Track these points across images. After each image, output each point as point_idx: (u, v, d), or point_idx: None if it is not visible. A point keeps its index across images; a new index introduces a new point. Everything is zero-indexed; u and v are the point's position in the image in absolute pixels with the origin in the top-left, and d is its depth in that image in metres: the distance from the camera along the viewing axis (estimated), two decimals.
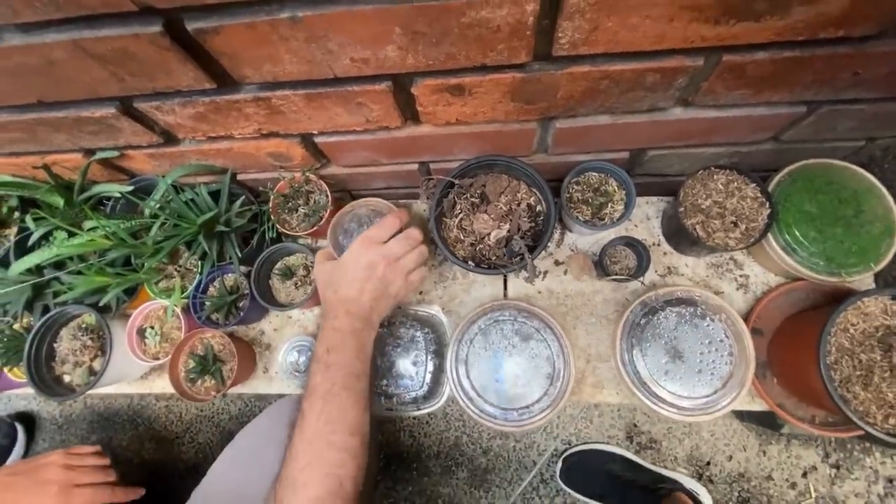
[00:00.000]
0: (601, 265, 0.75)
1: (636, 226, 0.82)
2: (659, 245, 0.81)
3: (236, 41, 0.46)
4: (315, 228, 0.77)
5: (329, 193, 0.78)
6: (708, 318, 0.68)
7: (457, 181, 0.70)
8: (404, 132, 0.66)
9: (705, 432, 1.11)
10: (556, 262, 0.82)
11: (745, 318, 0.74)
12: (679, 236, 0.75)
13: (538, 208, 0.71)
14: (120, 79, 0.52)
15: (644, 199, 0.84)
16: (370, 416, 0.56)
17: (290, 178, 0.78)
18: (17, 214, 0.78)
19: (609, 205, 0.75)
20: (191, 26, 0.44)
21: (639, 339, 0.69)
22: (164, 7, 0.42)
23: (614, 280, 0.75)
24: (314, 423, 0.51)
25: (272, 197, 0.78)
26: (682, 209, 0.71)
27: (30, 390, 0.77)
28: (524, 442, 1.16)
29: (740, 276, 0.78)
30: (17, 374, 0.80)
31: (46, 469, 0.69)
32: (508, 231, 0.69)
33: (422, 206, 0.90)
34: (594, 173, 0.76)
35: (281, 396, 0.83)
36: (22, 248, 0.76)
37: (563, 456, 1.09)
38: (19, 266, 0.72)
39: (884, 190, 0.70)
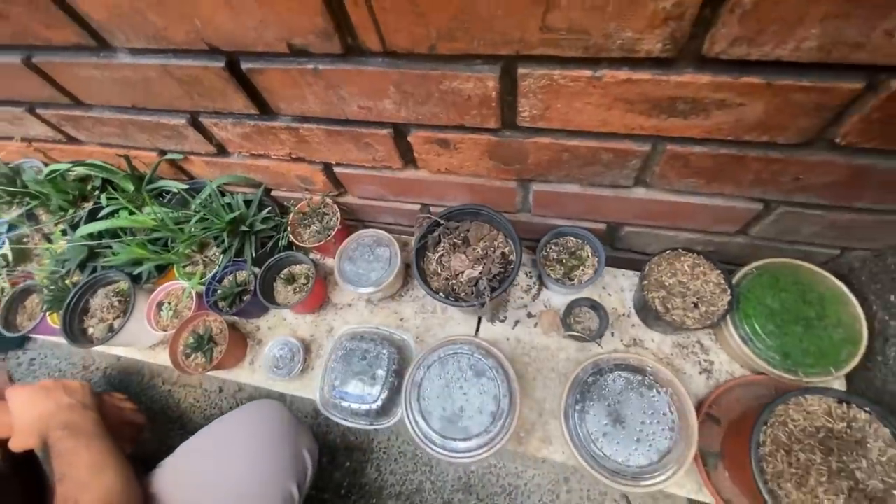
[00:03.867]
0: (565, 322, 0.79)
1: (610, 295, 0.87)
2: (629, 317, 0.84)
3: (275, 81, 0.61)
4: (321, 244, 0.89)
5: (340, 217, 0.90)
6: (655, 390, 0.70)
7: (443, 222, 0.80)
8: (405, 174, 0.78)
9: None
10: (529, 315, 0.88)
11: (701, 403, 0.74)
12: (646, 310, 0.79)
13: (511, 257, 0.79)
14: (191, 97, 0.68)
15: (621, 272, 0.89)
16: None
17: (310, 199, 0.92)
18: (97, 192, 0.97)
19: (581, 268, 0.81)
20: (244, 66, 0.59)
21: (584, 397, 0.71)
22: (227, 50, 0.57)
23: (572, 336, 0.78)
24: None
25: (293, 212, 0.92)
26: (645, 282, 0.75)
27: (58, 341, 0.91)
28: (486, 503, 1.14)
29: (705, 360, 0.79)
30: (54, 319, 0.94)
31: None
32: (480, 272, 0.77)
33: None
34: (572, 238, 0.83)
35: (258, 390, 0.91)
36: (91, 218, 0.93)
37: None
38: (84, 230, 0.88)
39: (853, 299, 0.71)
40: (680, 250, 0.76)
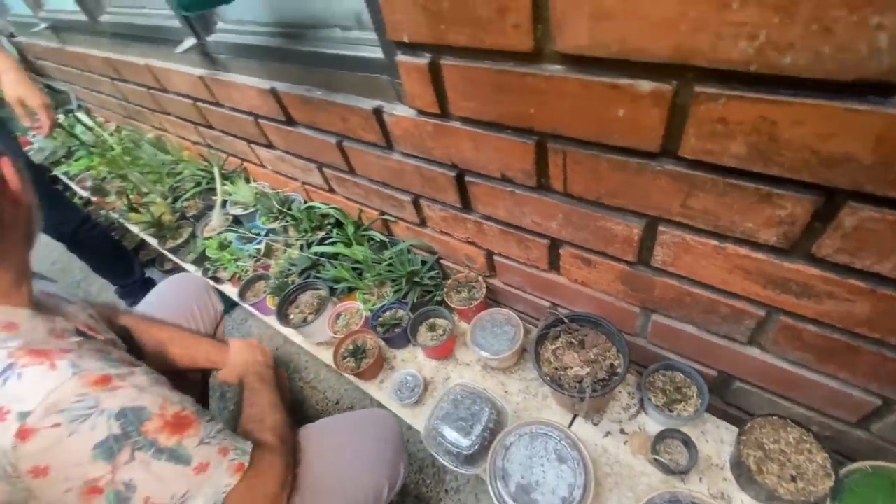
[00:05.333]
0: (655, 447, 0.86)
1: (707, 441, 0.90)
2: (721, 469, 0.86)
3: (482, 191, 0.89)
4: (464, 308, 1.12)
5: (484, 293, 1.13)
6: None
7: (567, 321, 0.96)
8: (547, 276, 0.99)
9: None
10: (622, 431, 0.95)
11: None
12: (739, 467, 0.81)
13: (618, 370, 0.90)
14: (423, 187, 1.01)
15: (725, 424, 0.91)
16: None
17: (467, 273, 1.18)
18: (329, 227, 1.38)
19: (683, 403, 0.88)
20: (467, 178, 0.89)
21: None
22: (461, 167, 0.88)
23: (658, 462, 0.84)
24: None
25: (452, 278, 1.18)
26: (744, 437, 0.79)
27: (267, 318, 1.28)
28: None
29: None
30: (271, 301, 1.33)
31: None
32: (587, 373, 0.90)
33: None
34: (680, 374, 0.91)
35: (380, 406, 1.12)
36: (320, 242, 1.33)
37: None
38: (314, 249, 1.27)
39: None
40: (788, 420, 0.79)
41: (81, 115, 2.22)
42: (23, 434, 0.51)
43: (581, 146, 0.66)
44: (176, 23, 1.21)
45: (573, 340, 0.95)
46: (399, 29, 0.70)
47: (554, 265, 0.95)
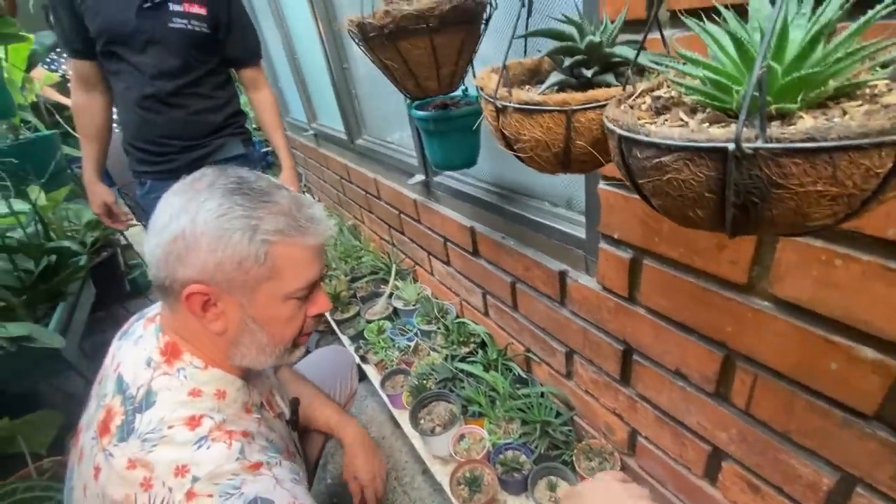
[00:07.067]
0: None
1: None
2: None
3: (649, 376, 0.92)
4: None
5: (617, 468, 1.08)
6: None
7: None
8: (698, 483, 0.92)
9: None
10: None
11: None
12: None
13: None
14: (583, 346, 1.07)
15: None
16: None
17: (602, 443, 1.15)
18: (475, 347, 1.50)
19: None
20: (635, 357, 0.93)
21: None
22: (629, 345, 0.92)
23: None
24: None
25: (584, 442, 1.16)
26: None
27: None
28: None
29: None
30: (406, 399, 1.44)
31: None
32: None
33: None
34: None
35: None
36: (463, 359, 1.44)
37: None
38: (457, 364, 1.38)
39: None
40: None
41: (307, 195, 2.87)
42: (189, 495, 0.57)
43: (776, 376, 0.67)
44: (414, 161, 1.57)
45: None
46: (612, 227, 0.83)
47: (710, 475, 0.89)
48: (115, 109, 1.51)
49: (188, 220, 0.59)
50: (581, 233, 0.97)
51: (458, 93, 0.99)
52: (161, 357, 0.65)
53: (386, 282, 1.89)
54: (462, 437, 1.30)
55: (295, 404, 0.97)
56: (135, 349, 0.68)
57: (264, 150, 3.56)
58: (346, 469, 1.03)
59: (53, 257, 1.68)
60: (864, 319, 0.54)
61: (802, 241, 0.56)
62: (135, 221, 1.84)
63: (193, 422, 0.61)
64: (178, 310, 0.64)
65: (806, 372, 0.62)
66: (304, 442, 1.09)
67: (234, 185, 0.62)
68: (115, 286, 2.22)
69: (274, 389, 0.88)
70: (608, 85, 0.47)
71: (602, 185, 0.82)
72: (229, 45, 1.47)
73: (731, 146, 0.26)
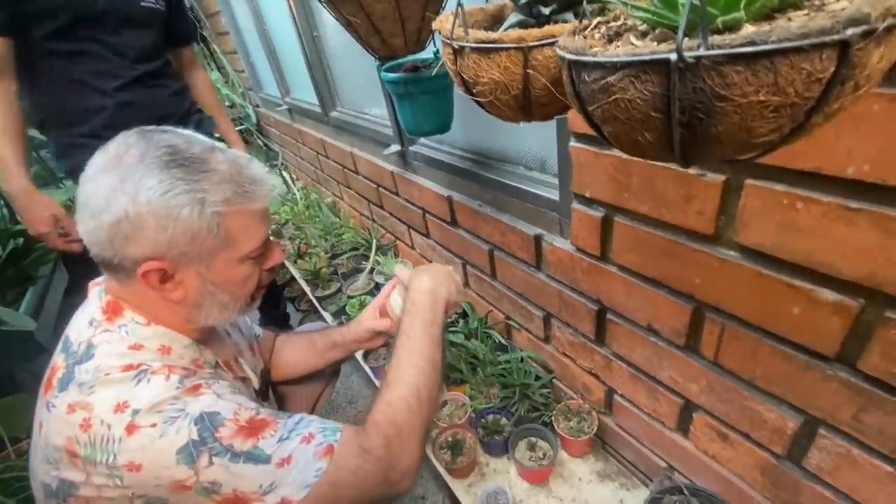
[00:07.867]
0: None
1: None
2: None
3: (622, 333, 0.93)
4: (570, 439, 1.10)
5: (595, 430, 1.11)
6: None
7: (686, 493, 0.89)
8: (671, 435, 0.94)
9: None
10: None
11: None
12: None
13: None
14: (559, 309, 1.08)
15: None
16: (440, 352, 0.78)
17: (581, 403, 1.17)
18: (457, 317, 1.50)
19: None
20: (609, 316, 0.94)
21: None
22: (603, 304, 0.93)
23: None
24: (400, 351, 0.75)
25: (563, 403, 1.18)
26: None
27: None
28: None
29: None
30: None
31: None
32: None
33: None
34: None
35: None
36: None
37: None
38: None
39: None
40: None
41: (284, 172, 2.80)
42: (130, 428, 0.56)
43: (742, 325, 0.68)
44: (389, 131, 1.54)
45: None
46: (583, 186, 0.83)
47: (682, 427, 0.91)
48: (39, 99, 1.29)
49: (128, 201, 0.57)
50: (555, 195, 0.96)
51: (430, 55, 0.97)
52: (102, 315, 0.65)
53: (367, 257, 1.88)
54: (444, 403, 1.31)
55: (265, 375, 0.96)
56: (81, 314, 0.68)
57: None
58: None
59: (20, 240, 1.62)
60: (824, 261, 0.54)
61: (766, 185, 0.56)
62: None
63: (131, 369, 0.61)
64: (130, 284, 0.64)
65: (770, 318, 0.64)
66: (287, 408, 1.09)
67: (168, 156, 0.60)
68: (90, 270, 2.16)
69: (240, 356, 0.87)
70: (566, 22, 0.45)
71: (573, 143, 0.81)
72: (178, 22, 1.48)
73: (674, 56, 0.25)
